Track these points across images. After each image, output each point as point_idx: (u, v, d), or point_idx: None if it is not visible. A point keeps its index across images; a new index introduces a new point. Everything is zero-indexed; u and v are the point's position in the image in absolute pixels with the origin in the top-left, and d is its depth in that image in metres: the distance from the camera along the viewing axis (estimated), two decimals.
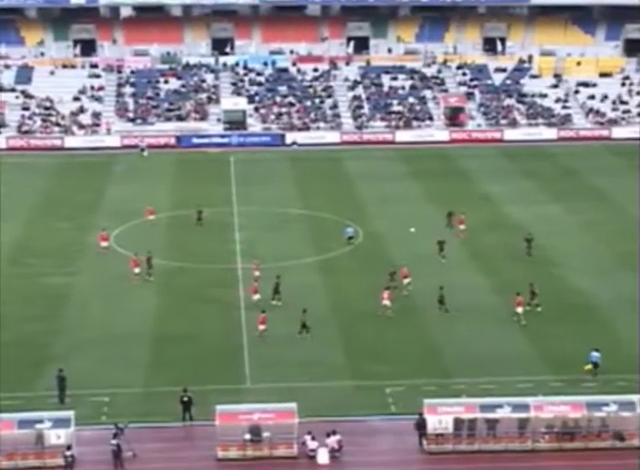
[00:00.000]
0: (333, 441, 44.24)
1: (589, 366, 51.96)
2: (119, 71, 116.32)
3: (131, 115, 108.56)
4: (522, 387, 49.09)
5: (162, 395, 48.97)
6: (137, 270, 65.22)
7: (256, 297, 59.94)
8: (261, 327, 55.63)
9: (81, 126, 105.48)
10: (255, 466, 43.90)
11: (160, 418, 47.04)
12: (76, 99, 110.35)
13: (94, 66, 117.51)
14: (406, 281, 62.27)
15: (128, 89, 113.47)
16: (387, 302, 58.76)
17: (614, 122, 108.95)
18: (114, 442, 43.17)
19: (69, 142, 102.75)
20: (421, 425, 44.82)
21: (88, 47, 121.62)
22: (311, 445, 44.22)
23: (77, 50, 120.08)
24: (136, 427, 45.25)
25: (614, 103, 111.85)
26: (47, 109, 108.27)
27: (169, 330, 57.12)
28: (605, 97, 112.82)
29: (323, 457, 43.91)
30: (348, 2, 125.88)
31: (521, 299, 57.33)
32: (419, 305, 60.43)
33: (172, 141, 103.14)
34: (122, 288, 63.80)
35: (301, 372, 51.71)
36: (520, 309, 56.74)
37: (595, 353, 51.77)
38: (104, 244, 69.46)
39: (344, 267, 67.23)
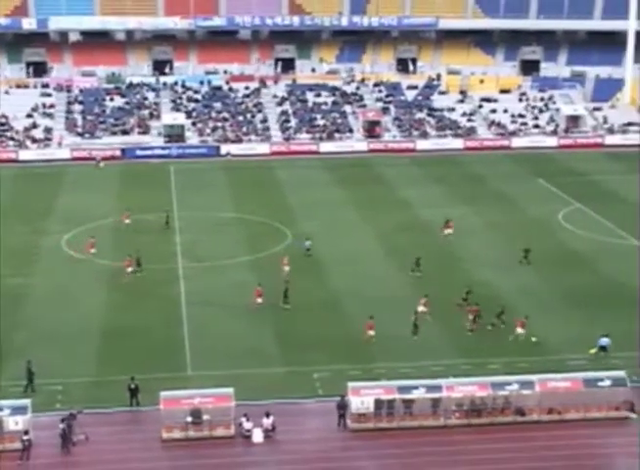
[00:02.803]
0: (267, 422, 44.23)
1: (594, 349, 52.47)
2: (69, 90, 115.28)
3: (80, 129, 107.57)
4: (435, 370, 49.45)
5: (111, 383, 48.68)
6: (130, 269, 64.93)
7: (259, 300, 59.15)
8: (370, 332, 54.36)
9: (34, 141, 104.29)
10: (197, 446, 43.79)
11: (110, 404, 46.81)
12: (29, 116, 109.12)
13: (45, 85, 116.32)
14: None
15: (77, 106, 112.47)
16: (422, 308, 57.92)
17: (513, 134, 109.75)
18: (61, 425, 42.94)
19: (24, 155, 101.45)
20: (341, 405, 45.01)
21: (40, 69, 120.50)
22: (247, 425, 44.24)
23: (30, 71, 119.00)
24: (88, 413, 45.06)
25: (513, 116, 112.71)
26: (2, 125, 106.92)
27: (117, 324, 56.74)
28: (505, 111, 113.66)
29: (258, 437, 43.98)
30: (276, 27, 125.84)
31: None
32: (343, 299, 60.44)
33: (118, 153, 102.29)
34: (75, 287, 63.25)
35: (237, 360, 51.64)
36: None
37: (604, 339, 52.29)
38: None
39: (276, 266, 67.04)
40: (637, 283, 62.40)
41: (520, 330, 54.46)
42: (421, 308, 57.92)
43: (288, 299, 59.31)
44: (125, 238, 72.89)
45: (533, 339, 53.62)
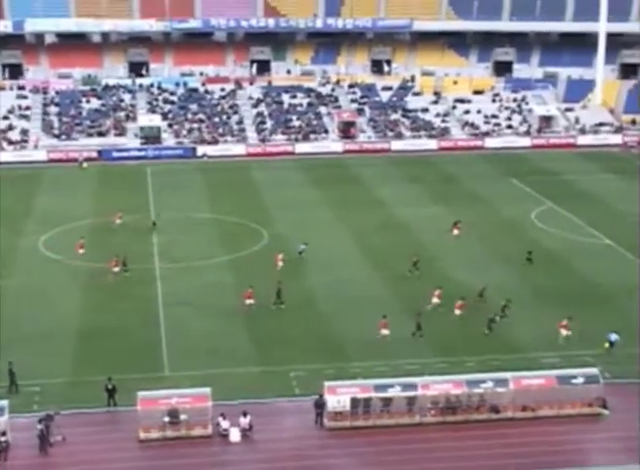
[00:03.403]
0: (244, 421, 44.21)
1: (607, 345, 52.77)
2: (45, 92, 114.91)
3: (56, 131, 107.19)
4: (410, 368, 49.49)
5: (89, 383, 48.44)
6: (116, 269, 64.81)
7: (249, 301, 58.82)
8: (384, 331, 54.24)
9: (11, 142, 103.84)
10: (174, 446, 43.67)
11: (87, 405, 46.57)
12: (6, 118, 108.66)
13: (21, 87, 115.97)
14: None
15: (53, 108, 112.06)
16: (436, 299, 58.46)
17: (486, 134, 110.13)
18: (39, 426, 42.75)
19: (0, 157, 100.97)
20: (319, 404, 45.07)
21: (16, 71, 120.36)
22: (224, 425, 44.21)
23: (6, 73, 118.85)
24: (65, 413, 44.84)
25: (486, 117, 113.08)
26: None
27: (94, 325, 56.52)
28: (478, 112, 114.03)
29: (235, 436, 43.94)
30: (251, 29, 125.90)
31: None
32: (320, 298, 60.44)
33: (94, 155, 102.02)
34: (52, 288, 62.99)
35: (214, 360, 51.55)
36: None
37: (614, 335, 52.65)
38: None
39: (252, 266, 67.08)
40: (614, 281, 62.71)
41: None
42: (435, 300, 58.40)
43: (281, 299, 59.09)
44: (101, 239, 72.51)
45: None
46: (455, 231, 73.91)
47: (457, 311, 56.83)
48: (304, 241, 69.32)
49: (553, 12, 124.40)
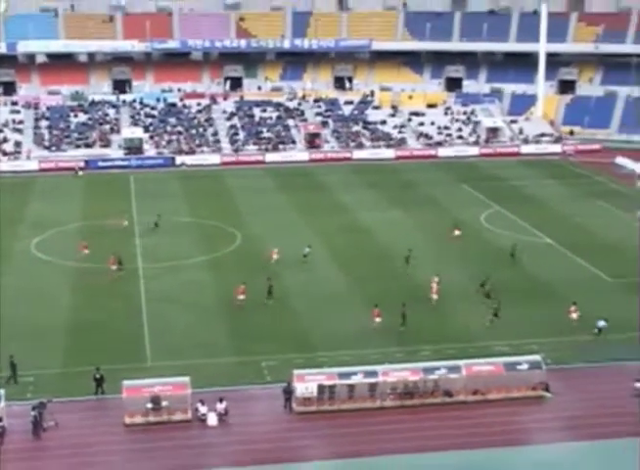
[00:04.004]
0: (220, 406, 44.15)
1: (596, 331, 53.15)
2: (36, 108, 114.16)
3: (47, 143, 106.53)
4: (372, 358, 49.48)
5: (78, 374, 48.28)
6: (114, 267, 64.51)
7: (241, 297, 58.47)
8: (377, 320, 54.31)
9: (5, 153, 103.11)
10: (156, 430, 43.57)
11: (77, 393, 46.41)
12: (0, 131, 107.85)
13: (15, 103, 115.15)
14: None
15: (44, 122, 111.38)
16: (435, 286, 59.10)
17: (439, 144, 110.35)
18: (33, 413, 42.66)
19: None
20: (286, 391, 45.18)
21: (9, 88, 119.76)
22: (202, 410, 44.14)
23: (0, 90, 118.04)
24: (57, 401, 44.62)
25: (439, 128, 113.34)
26: None
27: (83, 320, 56.25)
28: (432, 123, 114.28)
29: (212, 420, 43.88)
30: (225, 49, 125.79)
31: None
32: (289, 295, 60.33)
33: (81, 164, 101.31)
34: (43, 287, 62.59)
35: (193, 351, 51.45)
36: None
37: (602, 322, 53.15)
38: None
39: (228, 265, 66.95)
40: (555, 276, 63.03)
41: (377, 319, 54.47)
42: (434, 285, 59.06)
43: (271, 295, 58.94)
44: (88, 241, 71.98)
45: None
46: (457, 232, 73.69)
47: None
48: (308, 244, 68.85)
49: (498, 34, 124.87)
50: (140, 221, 78.34)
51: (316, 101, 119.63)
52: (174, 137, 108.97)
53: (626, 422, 43.64)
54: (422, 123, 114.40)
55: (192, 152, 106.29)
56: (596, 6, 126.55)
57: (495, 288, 59.17)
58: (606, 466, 40.53)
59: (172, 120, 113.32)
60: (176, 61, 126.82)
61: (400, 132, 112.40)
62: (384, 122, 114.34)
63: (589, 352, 51.27)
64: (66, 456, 41.44)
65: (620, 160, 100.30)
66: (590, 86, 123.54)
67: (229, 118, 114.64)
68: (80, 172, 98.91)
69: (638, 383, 46.34)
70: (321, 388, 45.31)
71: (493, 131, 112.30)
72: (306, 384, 45.19)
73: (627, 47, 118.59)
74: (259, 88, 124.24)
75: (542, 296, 59.68)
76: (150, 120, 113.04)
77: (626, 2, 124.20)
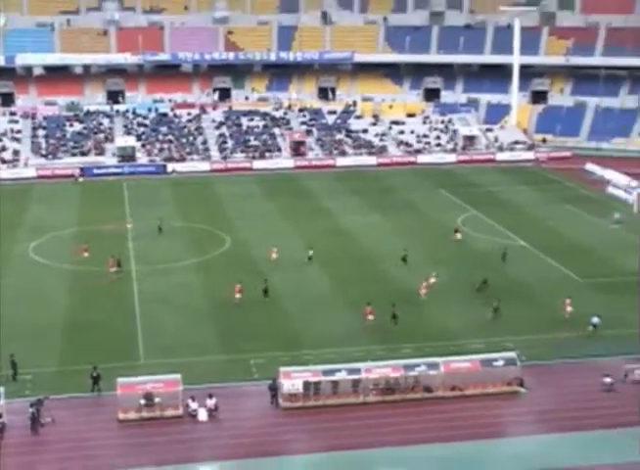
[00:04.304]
0: (210, 402, 44.10)
1: (590, 328, 53.23)
2: (33, 118, 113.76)
3: (44, 151, 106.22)
4: (355, 355, 49.56)
5: (74, 372, 48.21)
6: (113, 269, 64.50)
7: (238, 296, 58.59)
8: (370, 317, 54.63)
9: (4, 161, 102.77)
10: (149, 425, 43.52)
11: (73, 390, 46.35)
12: None
13: (13, 113, 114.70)
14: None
15: (41, 131, 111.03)
16: (433, 279, 60.73)
17: (418, 151, 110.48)
18: (31, 409, 42.66)
19: None
20: (272, 387, 45.23)
21: (8, 99, 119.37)
22: (193, 406, 44.12)
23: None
24: (54, 398, 44.58)
25: (418, 136, 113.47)
26: None
27: (79, 320, 56.13)
28: (411, 132, 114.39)
29: (203, 416, 43.84)
30: (214, 62, 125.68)
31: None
32: (276, 296, 60.24)
33: (77, 172, 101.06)
34: (40, 288, 62.38)
35: (184, 350, 51.40)
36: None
37: (595, 318, 53.30)
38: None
39: (217, 267, 66.89)
40: (529, 276, 63.18)
41: (370, 317, 54.79)
42: (432, 280, 60.37)
43: (267, 294, 59.18)
44: (85, 245, 71.93)
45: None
46: (458, 235, 73.84)
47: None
48: (310, 246, 68.82)
49: (474, 47, 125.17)
50: (133, 226, 78.14)
51: (301, 110, 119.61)
52: (165, 145, 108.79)
53: (596, 415, 43.86)
54: (402, 132, 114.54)
55: (182, 159, 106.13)
56: (566, 21, 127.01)
57: (491, 287, 59.78)
58: (576, 457, 40.65)
59: (164, 129, 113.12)
60: (167, 73, 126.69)
61: (381, 140, 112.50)
62: (365, 131, 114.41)
63: (562, 349, 51.41)
64: (62, 451, 41.39)
65: (590, 166, 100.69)
66: (561, 97, 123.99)
67: (218, 127, 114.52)
68: (80, 179, 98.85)
69: (607, 378, 46.56)
70: (306, 384, 45.32)
71: (470, 139, 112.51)
72: (292, 381, 45.22)
73: (596, 60, 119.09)
74: (247, 98, 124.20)
75: (517, 295, 59.76)
76: (142, 130, 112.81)
77: (594, 18, 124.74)
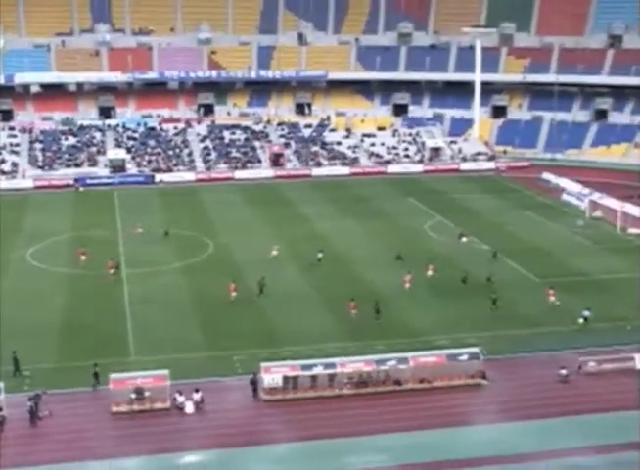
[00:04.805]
0: (196, 396, 43.99)
1: (581, 320, 53.44)
2: (31, 132, 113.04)
3: (40, 163, 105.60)
4: (331, 351, 49.53)
5: (70, 369, 48.14)
6: (112, 271, 64.36)
7: (234, 294, 58.58)
8: (353, 312, 55.09)
9: (3, 173, 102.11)
10: (140, 417, 43.46)
11: (69, 385, 46.17)
12: None
13: (12, 128, 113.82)
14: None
15: (38, 145, 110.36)
16: (431, 272, 63.18)
17: (388, 162, 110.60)
18: (29, 403, 42.63)
19: None
20: (253, 381, 45.28)
21: (7, 115, 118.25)
22: (180, 399, 44.06)
23: None
24: (51, 393, 44.53)
25: (387, 148, 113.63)
26: None
27: (74, 320, 55.88)
28: (382, 144, 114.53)
29: (189, 408, 43.82)
30: (198, 79, 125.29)
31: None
32: (257, 296, 60.16)
33: (71, 182, 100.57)
34: (38, 290, 61.95)
35: (172, 347, 51.27)
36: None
37: (586, 312, 53.72)
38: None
39: (202, 270, 66.70)
40: (492, 278, 63.42)
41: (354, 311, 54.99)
42: (430, 273, 62.93)
43: (263, 292, 59.62)
44: (80, 250, 71.52)
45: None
46: (464, 239, 74.03)
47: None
48: (320, 248, 69.16)
49: (439, 65, 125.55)
50: (124, 233, 77.84)
51: (279, 125, 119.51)
52: (154, 157, 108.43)
53: (552, 404, 44.15)
54: (373, 144, 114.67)
55: (169, 170, 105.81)
56: (523, 42, 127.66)
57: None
58: (534, 443, 40.85)
59: (152, 143, 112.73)
60: (155, 90, 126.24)
61: (354, 152, 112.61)
62: (339, 143, 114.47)
63: (522, 343, 51.64)
64: (59, 442, 41.22)
65: (546, 175, 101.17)
66: (519, 111, 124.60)
67: (202, 141, 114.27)
68: (81, 188, 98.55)
69: (562, 370, 46.81)
70: (286, 378, 45.35)
71: (436, 151, 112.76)
72: (273, 375, 45.23)
73: (550, 77, 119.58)
74: (229, 114, 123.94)
75: (480, 294, 59.90)
76: (132, 143, 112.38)
77: (549, 39, 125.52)
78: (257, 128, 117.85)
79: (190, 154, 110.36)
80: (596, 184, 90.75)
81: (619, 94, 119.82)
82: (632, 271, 65.23)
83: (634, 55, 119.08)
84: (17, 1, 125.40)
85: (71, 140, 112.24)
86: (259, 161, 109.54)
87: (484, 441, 41.14)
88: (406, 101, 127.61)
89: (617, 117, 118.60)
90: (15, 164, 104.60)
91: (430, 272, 63.08)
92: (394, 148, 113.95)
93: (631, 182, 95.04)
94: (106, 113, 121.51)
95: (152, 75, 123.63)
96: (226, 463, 39.67)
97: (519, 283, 63.05)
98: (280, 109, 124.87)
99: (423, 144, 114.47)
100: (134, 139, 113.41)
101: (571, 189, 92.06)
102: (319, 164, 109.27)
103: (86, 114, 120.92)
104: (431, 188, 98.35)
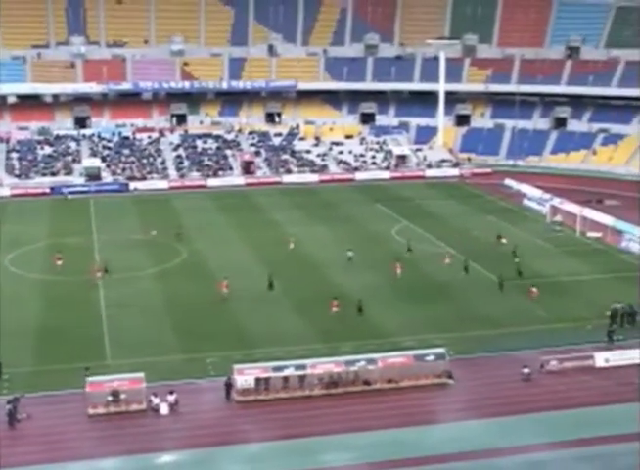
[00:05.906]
0: (171, 398, 43.79)
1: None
2: (8, 142, 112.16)
3: (17, 172, 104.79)
4: (301, 353, 49.41)
5: (47, 372, 47.73)
6: (99, 274, 64.35)
7: (225, 291, 58.66)
8: (335, 309, 55.70)
9: None
10: (116, 419, 43.16)
11: (46, 388, 45.78)
12: None
13: None
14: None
15: (14, 154, 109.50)
16: (448, 261, 66.10)
17: (356, 169, 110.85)
18: (8, 406, 42.28)
19: None
20: (227, 383, 45.17)
21: None
22: (155, 401, 43.83)
23: None
24: (29, 396, 44.16)
25: (355, 156, 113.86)
26: None
27: (50, 324, 55.40)
28: (350, 152, 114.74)
29: (164, 410, 43.60)
30: (171, 90, 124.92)
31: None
32: (230, 298, 59.86)
33: (47, 190, 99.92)
34: (15, 296, 61.24)
35: (147, 350, 50.96)
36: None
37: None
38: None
39: (176, 275, 66.43)
40: (454, 279, 63.59)
41: (334, 309, 54.96)
42: (447, 261, 65.53)
43: (273, 287, 60.73)
44: (56, 256, 70.90)
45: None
46: (503, 240, 74.60)
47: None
48: (349, 248, 70.02)
49: (404, 75, 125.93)
50: (99, 239, 77.38)
51: (250, 133, 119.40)
52: (128, 166, 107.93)
53: (516, 402, 44.35)
54: (341, 152, 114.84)
55: (143, 178, 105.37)
56: (485, 53, 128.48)
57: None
58: (498, 440, 41.03)
59: (126, 151, 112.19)
60: (129, 100, 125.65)
61: (323, 160, 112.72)
62: (308, 151, 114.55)
63: (486, 344, 51.86)
64: (38, 443, 40.85)
65: (508, 181, 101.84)
66: (482, 120, 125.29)
67: (175, 149, 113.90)
68: (69, 196, 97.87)
69: (525, 369, 47.06)
70: (258, 380, 45.24)
71: (402, 158, 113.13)
72: (245, 377, 45.10)
73: (511, 87, 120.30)
74: (201, 123, 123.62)
75: (445, 296, 60.20)
76: (107, 152, 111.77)
77: (510, 50, 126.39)
78: (229, 137, 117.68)
79: (163, 162, 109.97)
80: (556, 190, 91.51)
81: (578, 103, 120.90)
82: (592, 273, 65.86)
83: (591, 65, 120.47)
84: None
85: (47, 149, 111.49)
86: (231, 168, 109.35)
87: (451, 438, 41.24)
88: (373, 110, 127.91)
89: (576, 126, 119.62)
90: None
91: (398, 270, 63.51)
92: (362, 156, 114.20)
93: (589, 188, 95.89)
94: (81, 123, 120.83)
95: (126, 86, 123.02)
96: (201, 463, 39.50)
97: (482, 285, 63.30)
98: (251, 118, 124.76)
99: (389, 152, 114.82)
100: (109, 148, 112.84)
101: (533, 194, 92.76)
102: (289, 172, 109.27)
103: (62, 123, 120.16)
104: (397, 194, 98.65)
